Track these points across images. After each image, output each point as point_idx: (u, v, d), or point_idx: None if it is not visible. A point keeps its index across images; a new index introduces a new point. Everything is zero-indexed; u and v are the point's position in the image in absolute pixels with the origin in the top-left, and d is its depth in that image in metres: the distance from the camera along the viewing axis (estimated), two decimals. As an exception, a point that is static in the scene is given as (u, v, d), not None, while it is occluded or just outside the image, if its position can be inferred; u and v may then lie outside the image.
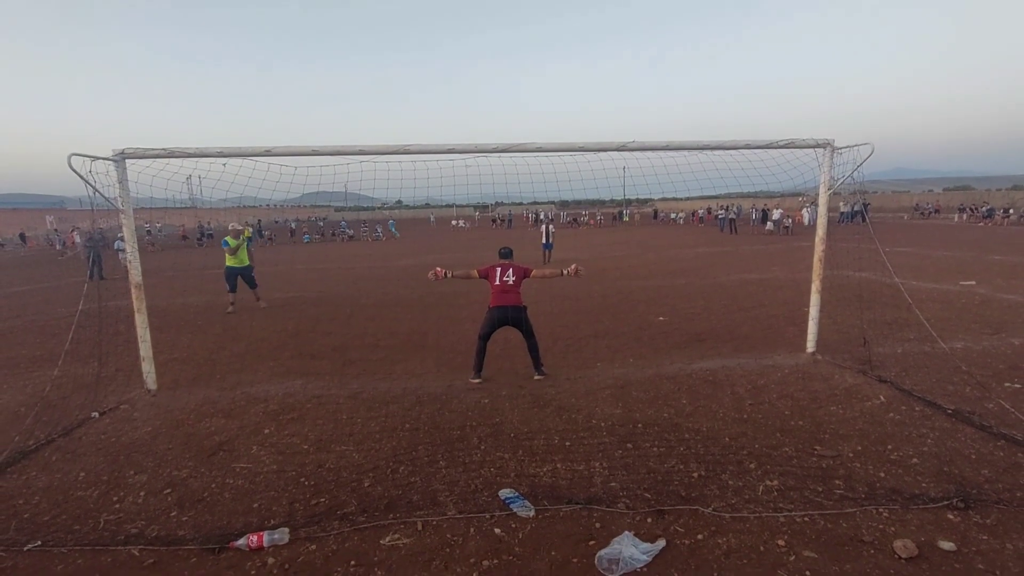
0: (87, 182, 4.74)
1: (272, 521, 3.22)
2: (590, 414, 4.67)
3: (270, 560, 2.87)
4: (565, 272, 5.69)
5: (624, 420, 4.54)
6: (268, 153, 5.04)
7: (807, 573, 2.65)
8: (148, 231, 32.45)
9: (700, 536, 2.95)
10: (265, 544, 2.96)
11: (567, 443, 4.13)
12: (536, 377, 5.66)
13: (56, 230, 38.24)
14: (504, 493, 3.41)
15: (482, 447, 4.12)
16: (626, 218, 52.09)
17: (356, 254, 24.33)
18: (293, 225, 43.74)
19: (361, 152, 5.13)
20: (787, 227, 28.19)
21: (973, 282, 10.65)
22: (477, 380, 5.62)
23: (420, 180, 5.34)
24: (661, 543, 2.86)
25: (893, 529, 2.95)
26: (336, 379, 5.96)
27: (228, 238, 10.15)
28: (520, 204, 74.65)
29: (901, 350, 6.16)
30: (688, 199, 56.63)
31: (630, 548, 2.76)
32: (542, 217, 39.19)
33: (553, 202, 65.37)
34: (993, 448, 3.83)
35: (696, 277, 13.19)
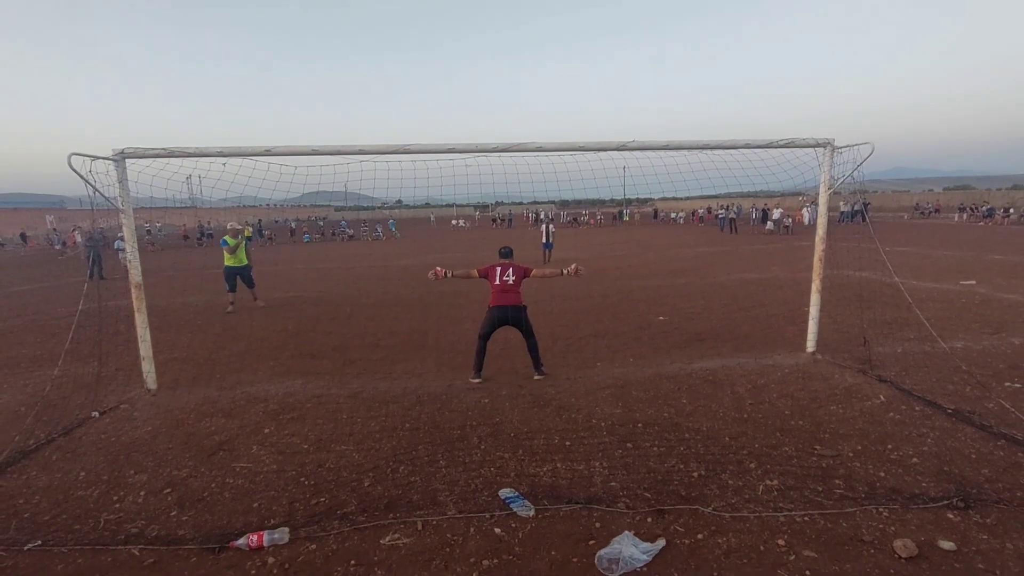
0: (87, 182, 4.74)
1: (272, 521, 3.22)
2: (590, 414, 4.67)
3: (270, 560, 2.87)
4: (565, 272, 5.68)
5: (624, 420, 4.54)
6: (268, 153, 5.03)
7: (807, 573, 2.65)
8: (148, 231, 32.47)
9: (700, 536, 2.95)
10: (265, 544, 2.96)
11: (567, 443, 4.13)
12: (536, 377, 5.66)
13: (55, 229, 38.26)
14: (504, 493, 3.41)
15: (482, 447, 4.12)
16: (626, 218, 52.10)
17: (356, 254, 24.34)
18: (293, 225, 43.74)
19: (361, 152, 5.13)
20: (787, 227, 28.19)
21: (973, 282, 10.64)
22: (477, 380, 5.62)
23: (420, 180, 5.34)
24: (661, 543, 2.86)
25: (893, 529, 2.95)
26: (336, 379, 5.96)
27: (227, 237, 10.15)
28: (520, 204, 74.68)
29: (901, 350, 6.16)
30: (688, 199, 56.63)
31: (630, 548, 2.76)
32: (542, 217, 39.20)
33: (553, 202, 65.36)
34: (993, 448, 3.83)
35: (696, 277, 13.19)
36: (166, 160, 5.00)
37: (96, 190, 4.85)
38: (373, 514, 3.25)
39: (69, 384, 5.52)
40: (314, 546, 2.97)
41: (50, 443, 4.38)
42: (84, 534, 3.13)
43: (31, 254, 29.59)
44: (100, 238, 17.03)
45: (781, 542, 2.87)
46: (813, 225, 7.04)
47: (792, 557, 2.76)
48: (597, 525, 3.08)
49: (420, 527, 3.11)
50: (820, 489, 3.36)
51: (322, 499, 3.45)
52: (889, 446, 3.90)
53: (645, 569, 2.69)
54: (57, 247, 31.54)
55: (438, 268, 5.60)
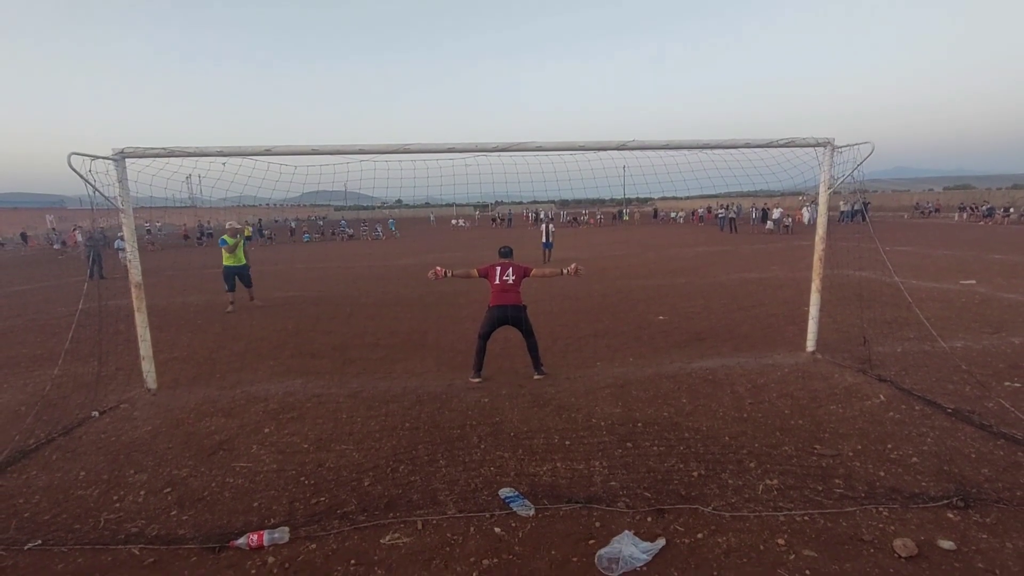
0: (87, 181, 4.74)
1: (272, 520, 3.22)
2: (590, 413, 4.67)
3: (270, 559, 2.87)
4: (565, 271, 5.68)
5: (624, 419, 4.54)
6: (268, 152, 5.03)
7: (807, 572, 2.65)
8: (148, 230, 32.46)
9: (700, 535, 2.95)
10: (265, 543, 2.96)
11: (567, 442, 4.13)
12: (536, 376, 5.66)
13: (54, 229, 38.23)
14: (504, 492, 3.41)
15: (482, 446, 4.12)
16: (626, 217, 52.11)
17: (356, 253, 24.34)
18: (293, 224, 43.74)
19: (361, 151, 5.12)
20: (787, 226, 28.19)
21: (973, 281, 10.65)
22: (477, 379, 5.62)
23: (420, 179, 5.34)
24: (661, 542, 2.86)
25: (893, 528, 2.96)
26: (336, 378, 5.96)
27: (226, 236, 10.15)
28: (520, 203, 74.69)
29: (901, 349, 6.16)
30: (688, 198, 56.63)
31: (630, 547, 2.76)
32: (542, 216, 39.20)
33: (553, 201, 65.36)
34: (993, 447, 3.83)
35: (696, 276, 13.19)
36: (166, 160, 5.00)
37: (96, 190, 4.85)
38: (373, 513, 3.25)
39: (69, 384, 5.52)
40: (314, 545, 2.97)
41: (50, 442, 4.39)
42: (84, 533, 3.13)
43: (31, 254, 29.59)
44: (100, 237, 17.03)
45: (781, 541, 2.87)
46: (813, 225, 7.04)
47: (792, 556, 2.76)
48: (597, 524, 3.08)
49: (420, 526, 3.11)
50: (820, 488, 3.37)
51: (322, 498, 3.45)
52: (889, 445, 3.91)
53: (645, 568, 2.69)
54: (56, 246, 31.51)
55: (438, 268, 5.60)
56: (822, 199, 5.89)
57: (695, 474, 3.59)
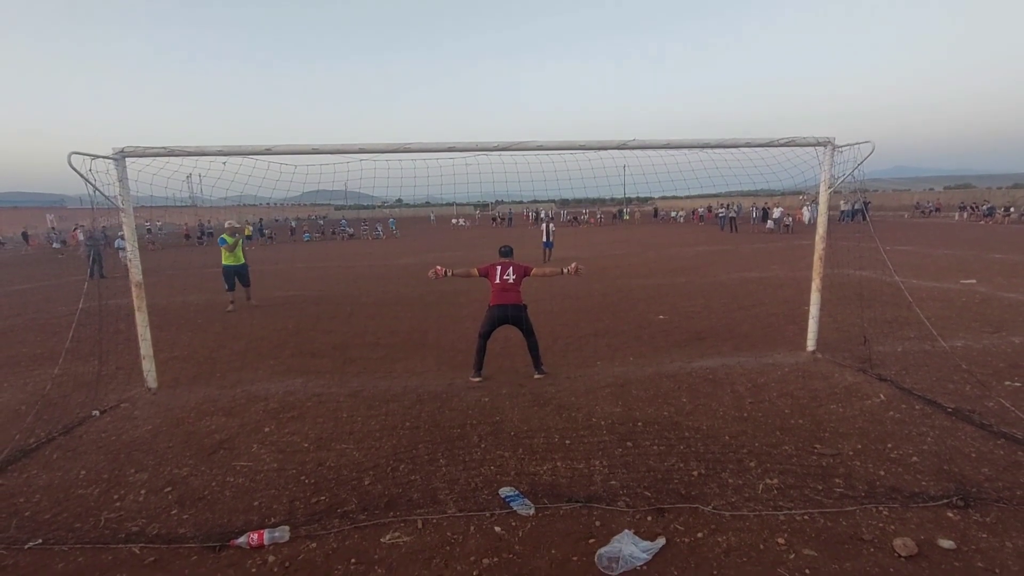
0: (87, 181, 4.74)
1: (273, 519, 3.23)
2: (590, 412, 4.67)
3: (270, 558, 2.87)
4: (565, 271, 5.69)
5: (624, 418, 4.54)
6: (268, 151, 5.03)
7: (807, 571, 2.65)
8: (148, 229, 32.47)
9: (700, 534, 2.95)
10: (266, 542, 2.96)
11: (567, 441, 4.14)
12: (536, 376, 5.66)
13: (54, 228, 38.21)
14: (504, 491, 3.41)
15: (482, 445, 4.12)
16: (626, 216, 52.10)
17: (356, 253, 24.34)
18: (293, 224, 43.75)
19: (361, 150, 5.12)
20: (787, 225, 28.18)
21: (974, 280, 10.64)
22: (477, 378, 5.62)
23: (420, 178, 5.34)
24: (661, 541, 2.87)
25: (893, 527, 2.96)
26: (336, 377, 5.96)
27: (225, 235, 10.15)
28: (520, 203, 74.65)
29: (901, 348, 6.16)
30: (688, 197, 56.62)
31: (630, 546, 2.77)
32: (542, 216, 39.20)
33: (553, 201, 65.35)
34: (993, 446, 3.83)
35: (696, 275, 13.19)
36: (166, 159, 5.00)
37: (96, 189, 4.85)
38: (373, 512, 3.25)
39: (69, 383, 5.52)
40: (314, 544, 2.98)
41: (50, 442, 4.39)
42: (85, 532, 3.13)
43: (32, 253, 29.60)
44: (101, 237, 17.03)
45: (781, 540, 2.87)
46: (813, 224, 7.04)
47: (792, 556, 2.76)
48: (597, 523, 3.08)
49: (420, 525, 3.11)
50: (820, 488, 3.37)
51: (322, 497, 3.46)
52: (889, 445, 3.91)
53: (645, 568, 2.70)
54: (56, 245, 31.49)
55: (438, 267, 5.60)
56: (822, 198, 5.89)
57: (695, 473, 3.59)
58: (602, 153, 5.54)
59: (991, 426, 4.12)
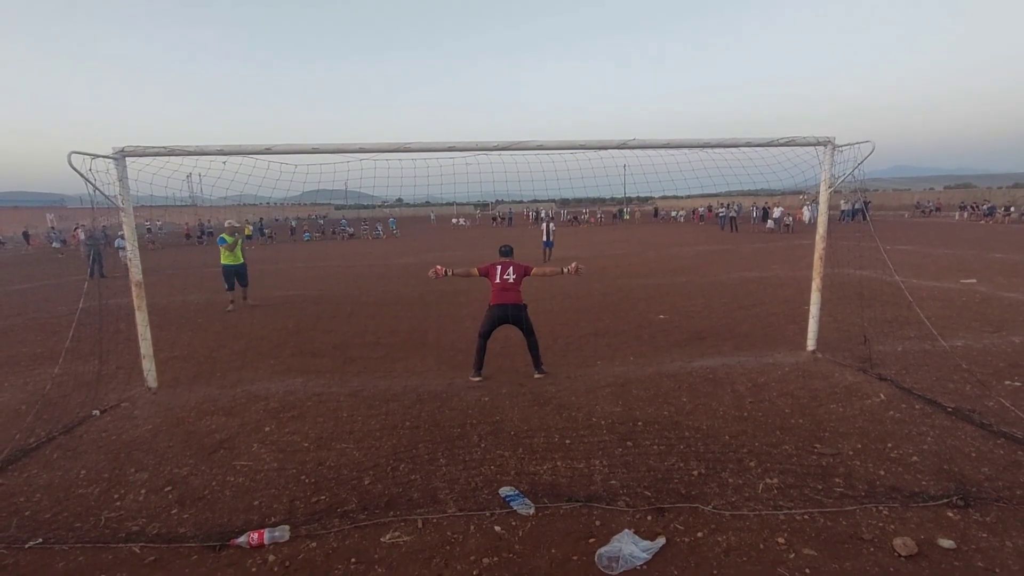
0: (87, 180, 4.74)
1: (273, 519, 3.23)
2: (590, 412, 4.67)
3: (271, 558, 2.87)
4: (565, 270, 5.69)
5: (624, 418, 4.54)
6: (268, 151, 5.03)
7: (807, 571, 2.65)
8: (148, 229, 32.45)
9: (700, 534, 2.95)
10: (266, 542, 2.97)
11: (567, 441, 4.14)
12: (536, 375, 5.66)
13: (53, 228, 38.20)
14: (504, 491, 3.42)
15: (482, 445, 4.12)
16: (626, 216, 52.09)
17: (357, 252, 24.35)
18: (293, 223, 43.74)
19: (362, 150, 5.12)
20: (788, 225, 28.18)
21: (974, 280, 10.64)
22: (477, 378, 5.62)
23: (420, 178, 5.34)
24: (661, 541, 2.87)
25: (893, 527, 2.96)
26: (337, 377, 5.96)
27: (224, 235, 10.15)
28: (520, 202, 74.65)
29: (901, 348, 6.16)
30: (689, 197, 56.61)
31: (630, 546, 2.77)
32: (542, 215, 39.19)
33: (553, 200, 65.34)
34: (993, 446, 3.83)
35: (696, 275, 13.19)
36: (166, 158, 5.00)
37: (96, 188, 4.85)
38: (373, 512, 3.25)
39: (70, 382, 5.52)
40: (315, 544, 2.98)
41: (51, 441, 4.39)
42: (85, 532, 3.14)
43: (32, 253, 29.61)
44: (101, 236, 17.03)
45: (781, 540, 2.87)
46: (813, 224, 7.04)
47: (792, 555, 2.76)
48: (597, 523, 3.09)
49: (420, 525, 3.12)
50: (820, 487, 3.37)
51: (322, 497, 3.46)
52: (889, 444, 3.91)
53: (645, 567, 2.70)
54: (55, 245, 31.46)
55: (438, 266, 5.59)
56: (823, 198, 5.89)
57: (695, 473, 3.59)
58: (602, 153, 5.54)
59: (991, 426, 4.12)
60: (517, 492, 3.39)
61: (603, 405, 4.82)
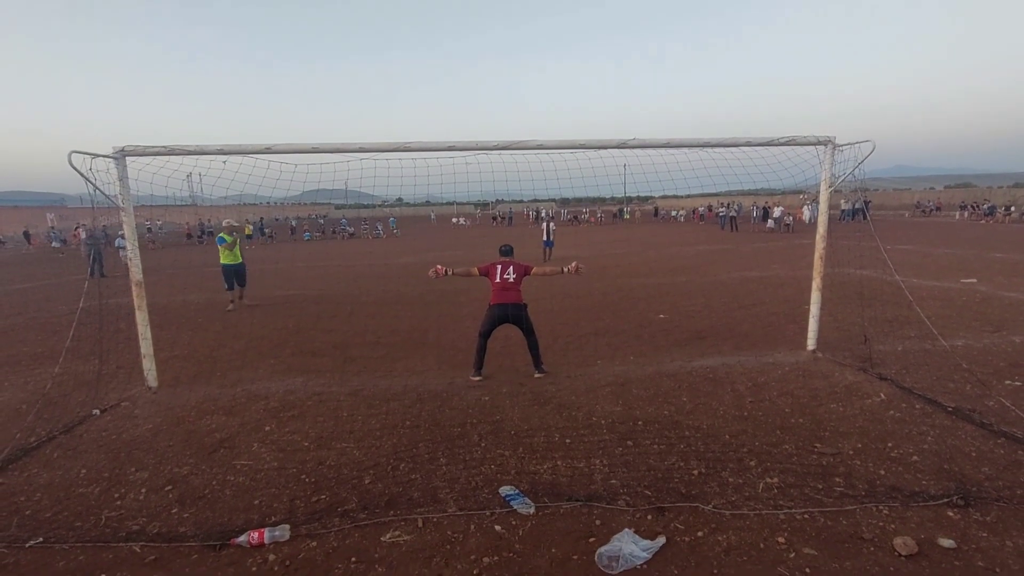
0: (87, 180, 4.74)
1: (273, 518, 3.23)
2: (590, 411, 4.67)
3: (271, 557, 2.88)
4: (566, 270, 5.69)
5: (624, 417, 4.54)
6: (268, 150, 5.03)
7: (807, 570, 2.65)
8: (149, 228, 32.45)
9: (700, 533, 2.95)
10: (266, 541, 2.97)
11: (567, 440, 4.14)
12: (536, 375, 5.66)
13: (52, 228, 38.19)
14: (504, 490, 3.42)
15: (483, 444, 4.12)
16: (627, 216, 52.09)
17: (357, 252, 24.35)
18: (294, 223, 43.75)
19: (362, 149, 5.12)
20: (788, 225, 28.17)
21: (974, 280, 10.64)
22: (478, 378, 5.62)
23: (421, 177, 5.34)
24: (661, 540, 2.87)
25: (893, 526, 2.96)
26: (337, 376, 5.96)
27: (223, 234, 10.15)
28: (521, 202, 74.66)
29: (902, 348, 6.16)
30: (689, 196, 56.60)
31: (630, 545, 2.77)
32: (543, 215, 39.19)
33: (554, 200, 65.36)
34: (993, 446, 3.83)
35: (697, 275, 13.18)
36: (166, 158, 5.00)
37: (97, 188, 4.85)
38: (374, 511, 3.25)
39: (70, 382, 5.52)
40: (315, 543, 2.98)
41: (51, 440, 4.39)
42: (85, 531, 3.14)
43: (33, 252, 29.61)
44: (102, 236, 17.03)
45: (781, 540, 2.87)
46: (814, 223, 7.04)
47: (792, 555, 2.76)
48: (597, 522, 3.09)
49: (421, 524, 3.12)
50: (820, 487, 3.37)
51: (323, 496, 3.46)
52: (889, 444, 3.91)
53: (645, 566, 2.70)
54: (55, 245, 31.44)
55: (438, 266, 5.59)
56: (823, 197, 5.89)
57: (695, 472, 3.59)
58: (602, 152, 5.54)
59: (991, 425, 4.12)
60: (517, 491, 3.39)
61: (603, 404, 4.83)
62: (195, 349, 7.27)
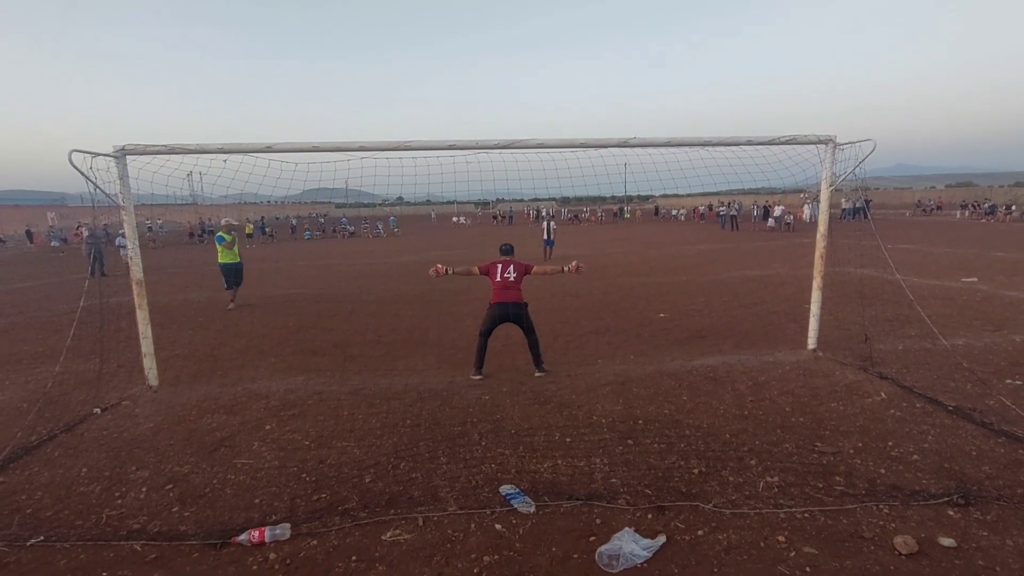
0: (88, 178, 4.73)
1: (274, 517, 3.23)
2: (591, 410, 4.68)
3: (272, 555, 2.88)
4: (566, 269, 5.69)
5: (625, 416, 4.54)
6: (269, 149, 5.03)
7: (807, 569, 2.65)
8: (149, 227, 32.46)
9: (700, 532, 2.95)
10: (267, 539, 2.97)
11: (568, 439, 4.14)
12: (537, 374, 5.66)
13: (51, 227, 38.21)
14: (505, 489, 3.42)
15: (483, 443, 4.12)
16: (627, 215, 52.09)
17: (357, 251, 24.35)
18: (294, 222, 43.77)
19: (362, 148, 5.12)
20: (788, 224, 28.15)
21: (975, 279, 10.63)
22: (478, 376, 5.62)
23: (421, 176, 5.34)
24: (661, 539, 2.87)
25: (893, 525, 2.96)
26: (337, 375, 5.97)
27: (222, 233, 10.15)
28: (521, 201, 74.63)
29: (902, 347, 6.16)
30: (689, 196, 56.58)
31: (630, 544, 2.77)
32: (543, 214, 39.18)
33: (554, 199, 65.33)
34: (994, 445, 3.83)
35: (697, 274, 13.18)
36: (167, 157, 5.00)
37: (97, 187, 4.85)
38: (374, 510, 3.26)
39: (71, 381, 5.53)
40: (315, 542, 2.98)
41: (52, 439, 4.40)
42: (86, 530, 3.14)
43: (34, 251, 29.63)
44: (103, 235, 17.04)
45: (781, 538, 2.87)
46: (814, 222, 7.03)
47: (792, 553, 2.76)
48: (598, 521, 3.09)
49: (421, 523, 3.12)
50: (820, 486, 3.37)
51: (323, 495, 3.46)
52: (890, 443, 3.90)
53: (645, 565, 2.70)
54: (54, 244, 31.43)
55: (439, 265, 5.60)
56: (824, 196, 5.88)
57: (696, 471, 3.59)
58: (603, 151, 5.54)
59: (992, 424, 4.12)
60: (518, 490, 3.40)
61: (604, 403, 4.83)
62: (196, 348, 7.27)
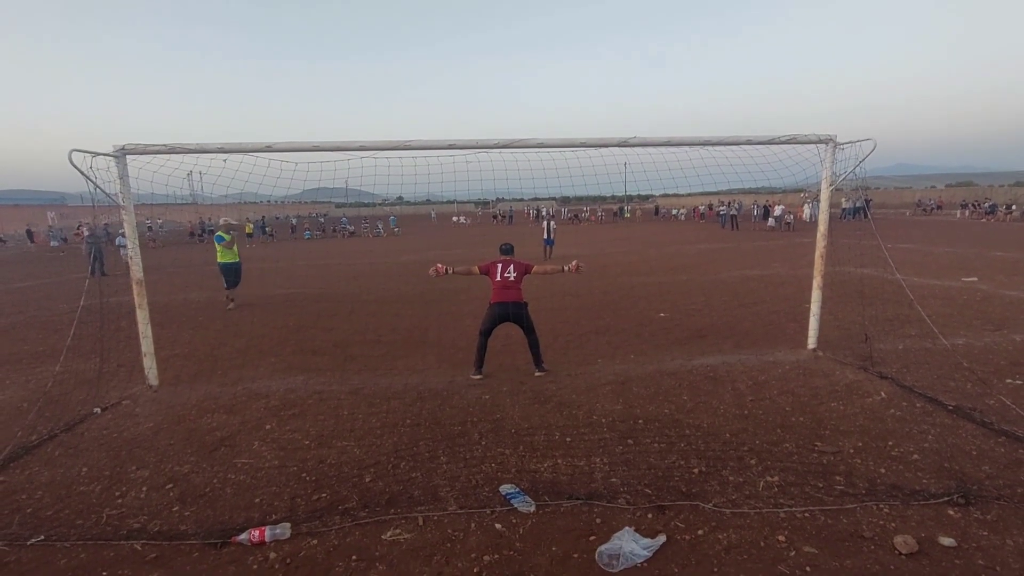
0: (88, 178, 4.73)
1: (274, 516, 3.23)
2: (591, 410, 4.67)
3: (272, 555, 2.88)
4: (566, 268, 5.68)
5: (625, 416, 4.54)
6: (269, 149, 5.03)
7: (807, 568, 2.65)
8: (149, 227, 32.45)
9: (700, 532, 2.95)
10: (267, 539, 2.97)
11: (568, 439, 4.14)
12: (537, 373, 5.66)
13: (51, 227, 38.20)
14: (505, 489, 3.42)
15: (483, 443, 4.12)
16: (627, 214, 52.09)
17: (357, 250, 24.35)
18: (294, 221, 43.75)
19: (362, 148, 5.11)
20: (788, 223, 28.14)
21: (975, 278, 10.63)
22: (478, 376, 5.62)
23: (421, 176, 5.34)
24: (661, 538, 2.87)
25: (893, 525, 2.96)
26: (337, 375, 5.97)
27: (221, 233, 10.15)
28: (521, 200, 74.59)
29: (902, 346, 6.16)
30: (690, 195, 56.60)
31: (630, 543, 2.77)
32: (543, 213, 39.18)
33: (554, 198, 65.32)
34: (994, 444, 3.83)
35: (697, 273, 13.18)
36: (167, 156, 5.00)
37: (97, 186, 4.85)
38: (374, 510, 3.26)
39: (71, 380, 5.53)
40: (315, 541, 2.98)
41: (52, 439, 4.40)
42: (86, 529, 3.14)
43: (35, 251, 29.62)
44: (103, 234, 17.04)
45: (781, 538, 2.87)
46: (814, 222, 7.03)
47: (792, 553, 2.76)
48: (598, 521, 3.09)
49: (421, 523, 3.12)
50: (821, 485, 3.37)
51: (323, 495, 3.46)
52: (890, 443, 3.90)
53: (645, 565, 2.70)
54: (54, 244, 31.41)
55: (439, 264, 5.60)
56: (824, 196, 5.88)
57: (696, 471, 3.59)
58: (603, 151, 5.53)
59: (992, 424, 4.12)
60: (518, 490, 3.40)
61: (604, 403, 4.83)
62: (196, 347, 7.27)
